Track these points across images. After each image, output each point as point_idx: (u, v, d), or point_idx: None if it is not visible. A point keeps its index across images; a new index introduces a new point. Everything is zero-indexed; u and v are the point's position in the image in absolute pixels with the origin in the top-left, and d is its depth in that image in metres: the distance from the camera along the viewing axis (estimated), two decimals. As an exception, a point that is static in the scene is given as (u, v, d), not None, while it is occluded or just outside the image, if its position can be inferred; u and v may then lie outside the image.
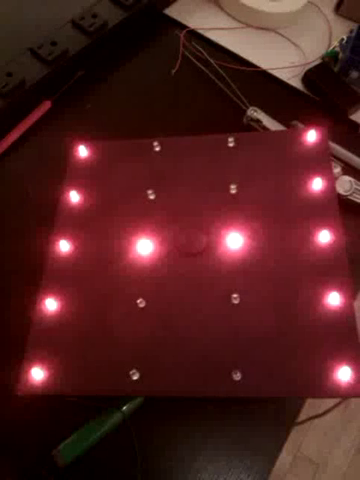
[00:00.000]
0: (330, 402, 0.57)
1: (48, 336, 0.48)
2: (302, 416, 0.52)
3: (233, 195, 0.54)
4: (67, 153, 0.60)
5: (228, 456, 0.48)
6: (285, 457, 1.25)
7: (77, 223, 0.54)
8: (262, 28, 0.78)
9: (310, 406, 0.62)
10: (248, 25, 0.78)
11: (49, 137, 0.67)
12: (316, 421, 1.28)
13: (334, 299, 0.46)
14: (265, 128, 0.65)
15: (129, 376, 0.44)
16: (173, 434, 0.48)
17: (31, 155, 0.66)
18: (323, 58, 0.74)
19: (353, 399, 1.30)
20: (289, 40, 0.77)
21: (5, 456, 0.47)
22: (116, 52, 0.75)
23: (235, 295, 0.47)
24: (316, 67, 0.71)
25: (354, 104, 0.68)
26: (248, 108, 0.66)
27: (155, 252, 0.51)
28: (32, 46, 0.68)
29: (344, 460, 1.25)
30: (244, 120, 0.66)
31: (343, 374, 0.42)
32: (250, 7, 0.76)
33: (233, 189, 0.54)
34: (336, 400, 0.57)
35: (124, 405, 0.47)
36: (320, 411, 0.61)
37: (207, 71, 0.72)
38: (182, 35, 0.75)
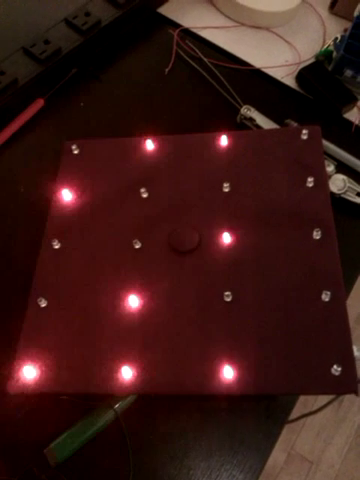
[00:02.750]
0: (323, 399, 0.57)
1: (40, 334, 0.47)
2: (295, 414, 0.52)
3: (226, 193, 0.54)
4: (60, 151, 0.60)
5: (221, 453, 0.48)
6: (279, 455, 1.25)
7: (69, 222, 0.54)
8: (256, 27, 0.78)
9: (303, 404, 0.62)
10: (242, 24, 0.79)
11: (42, 135, 0.67)
12: (310, 419, 1.29)
13: (326, 297, 0.46)
14: (259, 127, 0.65)
15: (122, 374, 0.44)
16: (166, 431, 0.48)
17: (24, 153, 0.66)
18: (317, 57, 0.74)
19: (346, 397, 1.30)
20: (283, 39, 0.77)
21: (-3, 454, 0.47)
22: (109, 51, 0.75)
23: (228, 293, 0.47)
24: (310, 66, 0.72)
25: (348, 103, 0.68)
26: (242, 107, 0.66)
27: (148, 250, 0.51)
28: (25, 45, 0.68)
29: (337, 458, 1.26)
30: (238, 119, 0.66)
31: (335, 371, 0.42)
32: (244, 6, 0.76)
33: (226, 187, 0.54)
34: (329, 397, 0.57)
35: (117, 403, 0.47)
36: (313, 409, 0.61)
37: (201, 70, 0.72)
38: (176, 34, 0.75)
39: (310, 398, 1.14)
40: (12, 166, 0.65)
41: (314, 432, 1.29)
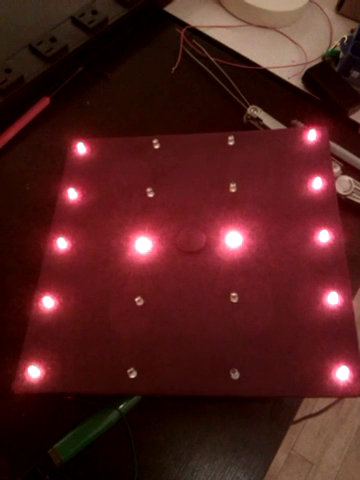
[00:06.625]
0: (325, 402, 0.57)
1: (45, 334, 0.47)
2: (297, 415, 0.52)
3: (233, 194, 0.54)
4: (66, 150, 0.59)
5: (225, 455, 0.48)
6: (279, 456, 1.25)
7: (75, 220, 0.54)
8: (263, 26, 0.78)
9: (305, 405, 0.62)
10: (249, 23, 0.78)
11: (48, 134, 0.67)
12: (310, 420, 1.28)
13: (333, 298, 0.46)
14: (265, 127, 0.64)
15: (126, 375, 0.44)
16: (170, 432, 0.48)
17: (29, 152, 0.65)
18: (324, 57, 0.74)
19: (347, 399, 1.30)
20: (290, 39, 0.77)
21: (1, 455, 0.47)
22: (116, 49, 0.75)
23: (234, 294, 0.47)
24: (317, 66, 0.71)
25: (354, 104, 0.68)
26: (248, 106, 0.65)
27: (154, 250, 0.51)
28: (31, 42, 0.67)
29: (337, 459, 1.26)
30: (244, 118, 0.66)
31: (341, 373, 0.42)
32: (251, 5, 0.75)
33: (233, 188, 0.54)
34: (331, 400, 0.57)
35: (121, 403, 0.47)
36: (314, 410, 0.61)
37: (207, 69, 0.72)
38: (182, 33, 0.74)
39: (311, 399, 1.14)
40: (18, 164, 0.64)
41: (314, 433, 1.28)
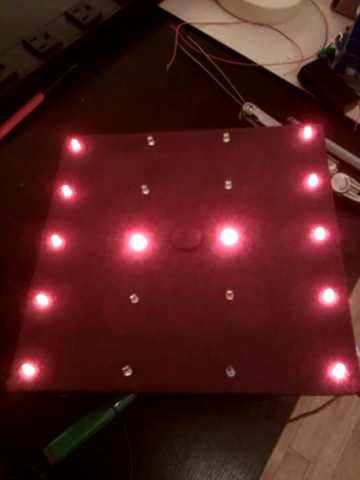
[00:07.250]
0: (322, 399, 0.57)
1: (40, 332, 0.47)
2: (294, 413, 0.52)
3: (228, 191, 0.54)
4: (60, 147, 0.59)
5: (221, 453, 0.48)
6: (276, 454, 1.25)
7: (70, 217, 0.54)
8: (258, 23, 0.78)
9: (301, 403, 0.62)
10: (244, 20, 0.78)
11: (42, 130, 0.66)
12: (307, 418, 1.29)
13: (329, 296, 0.46)
14: (260, 124, 0.64)
15: (122, 373, 0.44)
16: (166, 430, 0.48)
17: (23, 148, 0.65)
18: (319, 55, 0.74)
19: (344, 397, 1.31)
20: (285, 36, 0.77)
21: (-5, 453, 0.47)
22: (110, 45, 0.74)
23: (229, 291, 0.47)
24: (312, 64, 0.71)
25: (350, 101, 0.68)
26: (243, 104, 0.65)
27: (149, 247, 0.51)
28: (25, 38, 0.67)
29: (334, 457, 1.26)
30: (239, 116, 0.66)
31: (337, 371, 0.42)
32: (246, 2, 0.75)
33: (228, 185, 0.54)
34: (328, 397, 0.57)
35: (116, 401, 0.47)
36: (311, 408, 0.61)
37: (202, 66, 0.71)
38: (177, 29, 0.74)
39: (308, 397, 1.15)
40: (12, 161, 0.64)
41: (311, 431, 1.29)
